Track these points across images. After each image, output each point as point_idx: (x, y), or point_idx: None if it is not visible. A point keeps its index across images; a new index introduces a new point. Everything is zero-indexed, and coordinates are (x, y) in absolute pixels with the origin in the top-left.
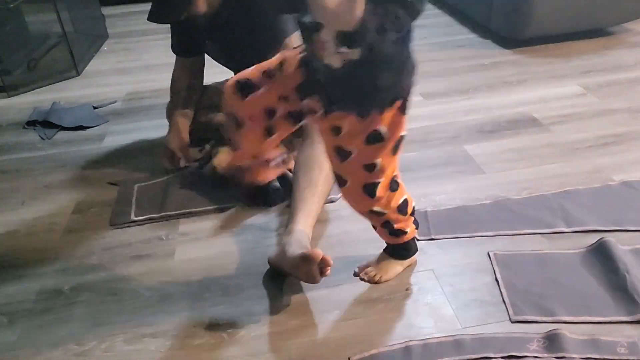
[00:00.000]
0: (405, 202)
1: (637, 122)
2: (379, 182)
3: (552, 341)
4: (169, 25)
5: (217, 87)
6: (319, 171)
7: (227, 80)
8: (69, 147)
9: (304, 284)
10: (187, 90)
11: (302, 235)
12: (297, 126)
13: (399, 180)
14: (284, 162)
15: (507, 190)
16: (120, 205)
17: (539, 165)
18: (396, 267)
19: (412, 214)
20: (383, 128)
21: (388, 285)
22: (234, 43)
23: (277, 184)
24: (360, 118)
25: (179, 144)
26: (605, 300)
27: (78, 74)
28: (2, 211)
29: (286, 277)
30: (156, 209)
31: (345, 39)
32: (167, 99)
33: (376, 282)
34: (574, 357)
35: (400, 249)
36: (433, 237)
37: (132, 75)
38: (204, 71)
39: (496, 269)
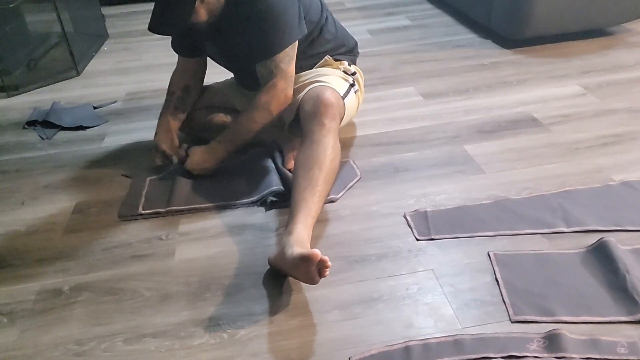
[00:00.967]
0: None
1: (637, 122)
2: None
3: (552, 341)
4: None
5: (217, 87)
6: (319, 171)
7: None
8: (69, 147)
9: (303, 284)
10: (183, 91)
11: (301, 235)
12: None
13: None
14: None
15: (507, 190)
16: (131, 198)
17: (538, 165)
18: None
19: None
20: None
21: (388, 285)
22: (233, 45)
23: (278, 185)
24: None
25: (169, 144)
26: (605, 300)
27: (78, 74)
28: (2, 211)
29: (286, 277)
30: (163, 203)
31: None
32: None
33: None
34: (574, 357)
35: None
36: (433, 237)
37: (132, 75)
38: (205, 72)
39: (496, 269)
